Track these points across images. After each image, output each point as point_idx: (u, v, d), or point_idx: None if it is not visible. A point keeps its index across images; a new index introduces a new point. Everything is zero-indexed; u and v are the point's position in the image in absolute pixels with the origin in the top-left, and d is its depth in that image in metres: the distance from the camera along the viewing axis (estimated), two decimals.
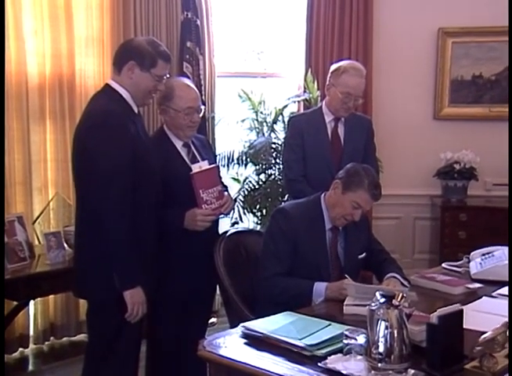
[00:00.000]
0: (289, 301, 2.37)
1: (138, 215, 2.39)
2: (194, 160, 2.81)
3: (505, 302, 2.40)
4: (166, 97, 2.77)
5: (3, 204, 3.54)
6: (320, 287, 2.50)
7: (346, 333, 1.82)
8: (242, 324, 2.07)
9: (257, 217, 4.43)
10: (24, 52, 3.80)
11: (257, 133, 4.48)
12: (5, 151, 3.64)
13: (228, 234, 2.92)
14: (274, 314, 2.19)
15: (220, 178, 2.95)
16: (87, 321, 2.62)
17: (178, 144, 2.83)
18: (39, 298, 3.82)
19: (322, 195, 2.76)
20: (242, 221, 4.39)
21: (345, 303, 2.33)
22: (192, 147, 2.87)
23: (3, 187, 3.62)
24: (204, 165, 2.79)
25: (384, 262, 2.83)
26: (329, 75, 3.29)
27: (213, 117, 4.56)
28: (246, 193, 4.41)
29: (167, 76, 2.58)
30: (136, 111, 2.54)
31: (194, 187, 2.69)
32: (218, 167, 2.98)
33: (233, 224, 4.24)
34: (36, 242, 3.78)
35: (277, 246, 2.63)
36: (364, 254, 2.80)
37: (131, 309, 2.38)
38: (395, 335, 1.65)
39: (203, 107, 2.87)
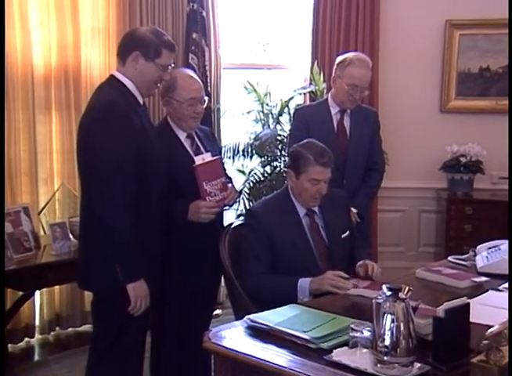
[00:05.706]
0: (276, 301, 2.27)
1: (143, 208, 2.39)
2: (198, 152, 2.80)
3: None
4: (169, 88, 2.75)
5: (3, 198, 3.52)
6: (304, 284, 2.49)
7: (352, 326, 1.81)
8: (247, 316, 2.07)
9: None
10: (30, 43, 3.78)
11: (263, 125, 4.46)
12: (4, 145, 3.62)
13: (233, 226, 2.91)
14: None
15: (224, 169, 2.94)
16: (92, 313, 2.62)
17: (182, 135, 2.82)
18: (45, 289, 3.82)
19: (289, 186, 2.77)
20: None
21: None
22: (196, 139, 2.86)
23: (3, 180, 3.61)
24: (207, 157, 2.77)
25: (357, 248, 2.85)
26: (335, 67, 3.28)
27: (218, 109, 4.54)
28: (251, 185, 4.40)
29: (172, 65, 2.56)
30: (141, 102, 2.53)
31: (197, 179, 2.68)
32: (221, 158, 2.96)
33: (238, 216, 4.23)
34: (41, 233, 3.79)
35: (254, 248, 2.64)
36: (348, 232, 2.80)
37: (134, 302, 2.37)
38: (401, 328, 1.64)
39: (206, 98, 2.86)
